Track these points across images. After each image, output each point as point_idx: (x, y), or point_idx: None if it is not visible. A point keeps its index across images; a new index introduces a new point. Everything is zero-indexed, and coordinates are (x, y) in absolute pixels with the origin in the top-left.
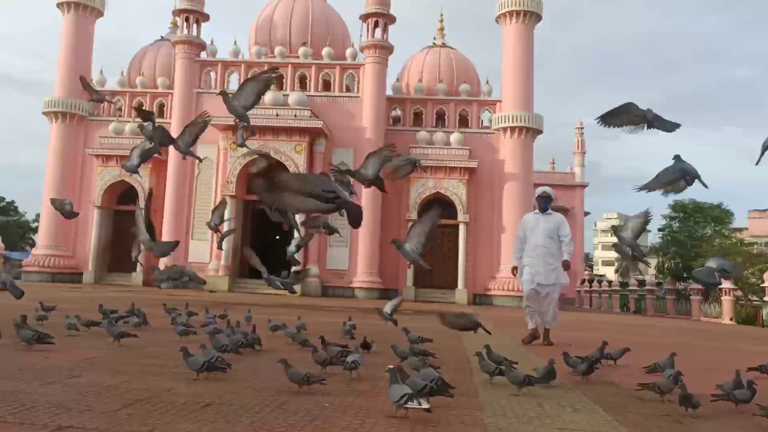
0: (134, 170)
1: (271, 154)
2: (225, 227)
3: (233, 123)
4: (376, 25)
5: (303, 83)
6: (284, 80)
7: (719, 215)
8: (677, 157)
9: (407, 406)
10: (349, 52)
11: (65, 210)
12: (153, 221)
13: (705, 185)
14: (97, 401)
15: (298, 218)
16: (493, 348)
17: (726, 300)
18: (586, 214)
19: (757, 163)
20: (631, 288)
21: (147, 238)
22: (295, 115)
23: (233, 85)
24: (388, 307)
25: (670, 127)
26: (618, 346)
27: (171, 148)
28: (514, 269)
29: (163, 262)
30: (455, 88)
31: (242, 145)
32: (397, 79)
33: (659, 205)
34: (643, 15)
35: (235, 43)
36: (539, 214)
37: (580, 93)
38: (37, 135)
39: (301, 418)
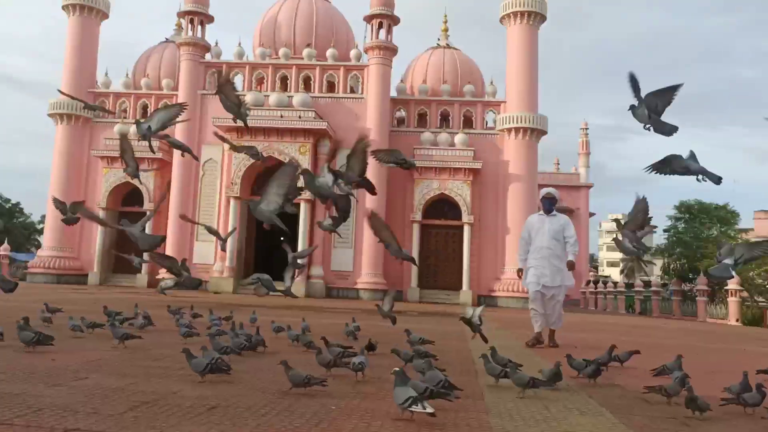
0: (135, 174)
1: (275, 155)
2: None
3: (237, 124)
4: (380, 26)
5: (307, 84)
6: (288, 81)
7: (725, 216)
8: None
9: (411, 409)
10: (353, 53)
11: (68, 218)
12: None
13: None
14: (103, 404)
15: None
16: (498, 350)
17: (732, 301)
18: (591, 215)
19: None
20: (636, 289)
21: (137, 230)
22: (300, 117)
23: (237, 86)
24: (386, 304)
25: (668, 130)
26: (624, 348)
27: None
28: (520, 271)
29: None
30: (459, 89)
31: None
32: (402, 80)
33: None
34: (648, 15)
35: (239, 44)
36: (544, 216)
37: (584, 93)
38: (43, 137)
39: (307, 420)
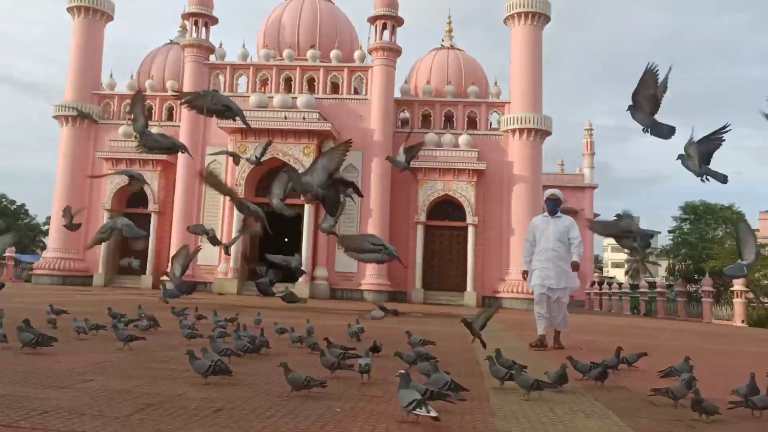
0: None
1: (279, 157)
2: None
3: (238, 125)
4: (384, 27)
5: (311, 86)
6: (293, 83)
7: (730, 217)
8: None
9: (415, 412)
10: (357, 54)
11: (70, 224)
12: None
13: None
14: (109, 406)
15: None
16: (503, 351)
17: (738, 302)
18: (596, 215)
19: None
20: (641, 290)
21: (126, 222)
22: (304, 118)
23: (241, 87)
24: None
25: (666, 133)
26: (629, 350)
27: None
28: (525, 273)
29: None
30: (463, 89)
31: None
32: (406, 81)
33: (669, 207)
34: (654, 14)
35: (243, 46)
36: (548, 217)
37: (589, 94)
38: (48, 139)
39: (313, 423)
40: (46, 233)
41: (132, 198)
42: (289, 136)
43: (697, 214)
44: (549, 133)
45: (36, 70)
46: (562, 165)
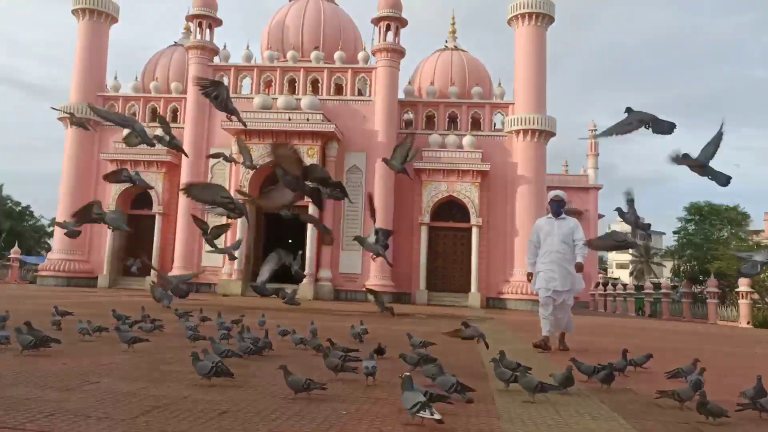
0: (146, 184)
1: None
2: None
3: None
4: (387, 28)
5: (315, 87)
6: (297, 84)
7: (735, 217)
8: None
9: (419, 414)
10: (361, 55)
11: (71, 231)
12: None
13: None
14: (115, 408)
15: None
16: (509, 353)
17: (743, 303)
18: (600, 216)
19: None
20: (646, 291)
21: (113, 216)
22: (308, 119)
23: (245, 89)
24: (384, 297)
25: (667, 128)
26: (634, 351)
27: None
28: (529, 275)
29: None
30: (467, 90)
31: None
32: (409, 82)
33: (673, 208)
34: (658, 15)
35: (247, 47)
36: (553, 219)
37: (594, 94)
38: (53, 140)
39: (318, 425)
40: (51, 235)
41: (136, 199)
42: (293, 137)
43: (702, 214)
44: (553, 134)
45: (42, 72)
46: (567, 166)
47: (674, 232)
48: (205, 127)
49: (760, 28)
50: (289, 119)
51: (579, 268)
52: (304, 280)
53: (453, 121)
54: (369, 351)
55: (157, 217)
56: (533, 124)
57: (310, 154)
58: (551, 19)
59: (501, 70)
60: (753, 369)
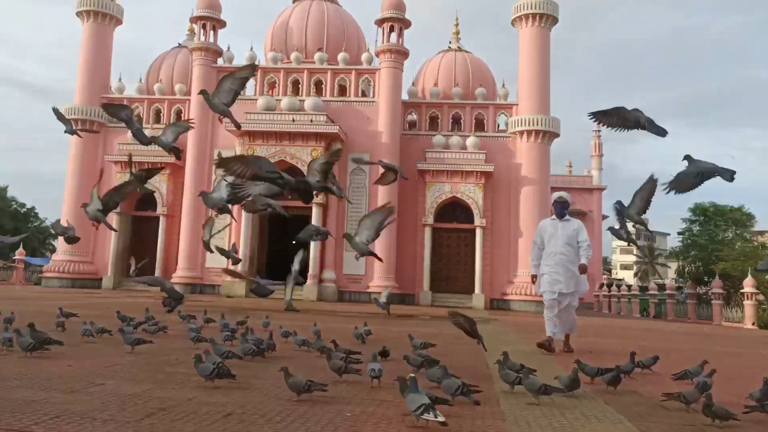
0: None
1: (287, 160)
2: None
3: (249, 128)
4: (391, 29)
5: (319, 88)
6: (300, 86)
7: (740, 218)
8: (689, 158)
9: (423, 417)
10: (364, 56)
11: (68, 235)
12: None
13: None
14: (120, 411)
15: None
16: (515, 355)
17: (748, 304)
18: (604, 217)
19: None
20: (650, 292)
21: (92, 211)
22: (311, 121)
23: (249, 90)
24: (382, 297)
25: (661, 132)
26: (640, 353)
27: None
28: (534, 277)
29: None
30: (471, 91)
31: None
32: (413, 84)
33: (678, 207)
34: (662, 15)
35: (251, 49)
36: (557, 220)
37: (597, 95)
38: (58, 142)
39: (323, 428)
40: (55, 236)
41: (141, 201)
42: (296, 138)
43: (706, 215)
44: (557, 135)
45: (45, 73)
46: (571, 167)
47: (679, 233)
48: (209, 128)
49: (764, 28)
50: (293, 120)
51: (583, 269)
52: (309, 281)
53: (457, 122)
54: (371, 353)
55: (161, 218)
56: (537, 125)
57: (313, 156)
58: (555, 20)
59: (504, 70)
60: (759, 370)
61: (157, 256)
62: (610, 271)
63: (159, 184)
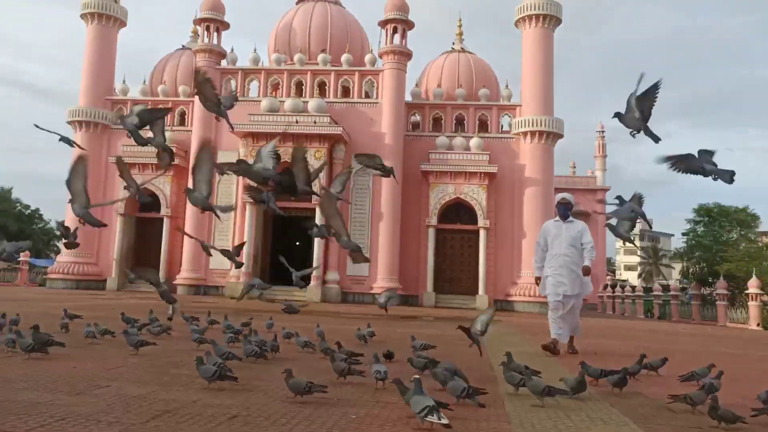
0: (137, 193)
1: (290, 161)
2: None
3: (253, 129)
4: (394, 30)
5: (322, 90)
6: (303, 87)
7: (745, 219)
8: (703, 152)
9: (427, 419)
10: (367, 58)
11: (70, 242)
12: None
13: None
14: (125, 413)
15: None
16: (518, 356)
17: (753, 305)
18: (608, 217)
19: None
20: (655, 293)
21: (80, 210)
22: (315, 122)
23: (253, 92)
24: (382, 297)
25: (656, 138)
26: (645, 354)
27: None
28: (537, 279)
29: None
30: (474, 92)
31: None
32: (416, 85)
33: (683, 209)
34: (665, 15)
35: (254, 50)
36: (560, 222)
37: (601, 95)
38: (60, 143)
39: (328, 430)
40: (60, 237)
41: (145, 202)
42: (300, 140)
43: (711, 216)
44: (561, 136)
45: (48, 75)
46: (574, 167)
47: (683, 234)
48: (213, 130)
49: (764, 29)
50: (297, 122)
51: (586, 271)
52: (312, 283)
53: (460, 123)
54: (373, 354)
55: (165, 219)
56: (540, 125)
57: (317, 157)
58: (558, 21)
59: (508, 71)
60: (765, 372)
61: (161, 258)
62: (614, 272)
63: (163, 185)
